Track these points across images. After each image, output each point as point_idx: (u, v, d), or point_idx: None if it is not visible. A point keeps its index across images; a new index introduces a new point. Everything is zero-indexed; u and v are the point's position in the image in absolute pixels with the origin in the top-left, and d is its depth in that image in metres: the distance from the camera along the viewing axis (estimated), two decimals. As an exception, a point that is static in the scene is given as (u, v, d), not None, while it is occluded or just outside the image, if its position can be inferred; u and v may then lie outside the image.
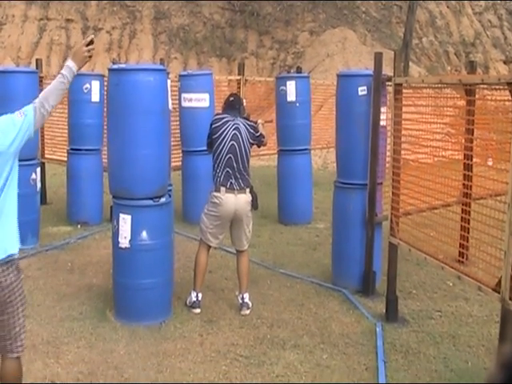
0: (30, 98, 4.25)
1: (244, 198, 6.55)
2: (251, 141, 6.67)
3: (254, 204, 6.64)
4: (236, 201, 6.50)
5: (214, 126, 6.64)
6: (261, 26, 25.25)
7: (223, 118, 6.66)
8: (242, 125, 6.62)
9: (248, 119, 6.85)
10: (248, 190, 6.59)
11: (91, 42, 4.24)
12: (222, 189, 6.49)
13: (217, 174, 6.54)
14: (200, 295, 6.67)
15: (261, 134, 6.76)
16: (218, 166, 6.54)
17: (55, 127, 11.75)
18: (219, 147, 6.54)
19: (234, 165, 6.51)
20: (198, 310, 6.60)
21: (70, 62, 4.18)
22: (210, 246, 6.73)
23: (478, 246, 5.35)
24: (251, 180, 6.75)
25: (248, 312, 6.61)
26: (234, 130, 6.57)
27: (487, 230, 5.02)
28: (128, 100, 6.13)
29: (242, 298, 6.68)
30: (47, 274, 7.77)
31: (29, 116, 4.01)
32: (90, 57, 4.22)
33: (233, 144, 6.53)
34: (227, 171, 6.50)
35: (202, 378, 5.23)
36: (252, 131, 6.67)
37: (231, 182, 6.50)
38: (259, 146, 7.04)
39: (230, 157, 6.51)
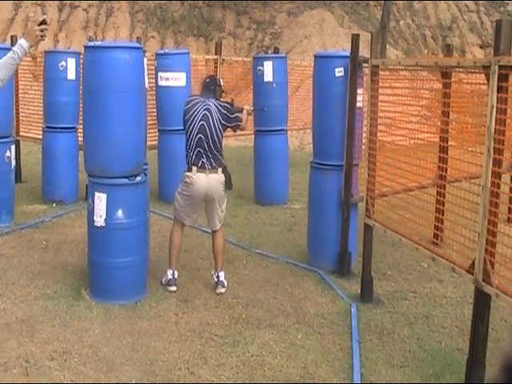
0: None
1: (215, 178, 6.55)
2: (223, 122, 6.64)
3: (228, 184, 6.64)
4: (207, 180, 6.51)
5: (185, 107, 6.66)
6: (238, 6, 25.12)
7: (194, 100, 6.69)
8: (213, 105, 6.61)
9: (232, 104, 6.83)
10: (220, 169, 6.58)
11: (44, 22, 4.44)
12: (194, 168, 6.50)
13: (189, 154, 6.56)
14: (176, 273, 6.67)
15: (236, 117, 6.75)
16: (190, 146, 6.56)
17: (30, 105, 11.64)
18: (190, 128, 6.56)
19: (205, 145, 6.51)
20: (174, 288, 6.60)
21: (22, 40, 4.43)
22: (183, 224, 6.75)
23: (452, 228, 5.39)
24: (225, 160, 6.74)
25: (223, 290, 6.62)
26: (204, 110, 6.57)
27: (462, 212, 5.05)
28: (104, 78, 6.08)
29: (218, 277, 6.68)
30: (22, 252, 7.73)
31: None
32: (43, 36, 4.46)
33: (203, 124, 6.53)
34: (198, 151, 6.51)
35: (177, 357, 5.24)
36: (225, 112, 6.65)
37: (202, 162, 6.50)
38: (235, 130, 7.00)
39: (200, 137, 6.52)
